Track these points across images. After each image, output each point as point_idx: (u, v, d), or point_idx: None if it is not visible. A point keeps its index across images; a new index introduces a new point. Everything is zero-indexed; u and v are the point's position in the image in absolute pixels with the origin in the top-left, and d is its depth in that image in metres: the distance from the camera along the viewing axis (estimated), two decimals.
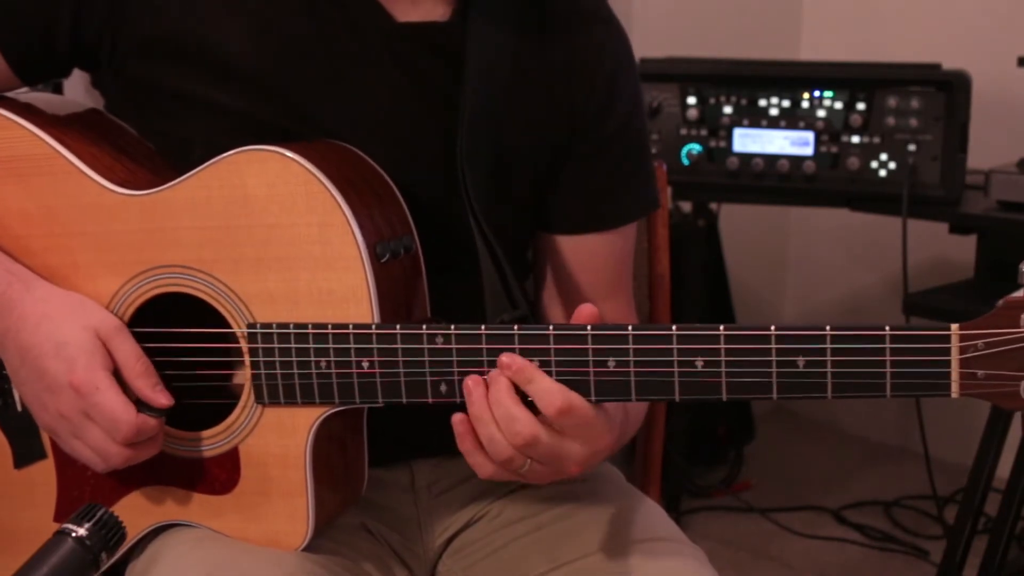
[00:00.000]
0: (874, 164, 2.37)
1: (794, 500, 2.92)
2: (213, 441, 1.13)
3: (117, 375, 1.09)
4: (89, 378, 1.07)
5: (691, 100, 2.46)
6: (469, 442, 1.03)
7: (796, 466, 3.17)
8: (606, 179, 1.25)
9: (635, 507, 1.25)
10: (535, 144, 1.22)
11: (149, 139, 1.21)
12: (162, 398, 1.09)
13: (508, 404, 1.01)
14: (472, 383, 1.03)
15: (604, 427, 1.05)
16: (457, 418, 1.03)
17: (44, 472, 1.19)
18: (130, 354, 1.10)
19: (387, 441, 1.18)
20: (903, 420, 3.16)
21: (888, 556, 2.70)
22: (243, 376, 1.11)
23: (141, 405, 1.08)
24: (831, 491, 2.97)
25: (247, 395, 1.11)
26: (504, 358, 1.02)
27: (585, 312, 1.03)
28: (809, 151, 2.41)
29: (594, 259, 1.28)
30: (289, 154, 1.07)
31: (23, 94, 1.23)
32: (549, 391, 1.01)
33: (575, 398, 1.01)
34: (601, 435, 1.05)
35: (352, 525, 1.21)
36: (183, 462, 1.14)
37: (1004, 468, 2.12)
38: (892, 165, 2.36)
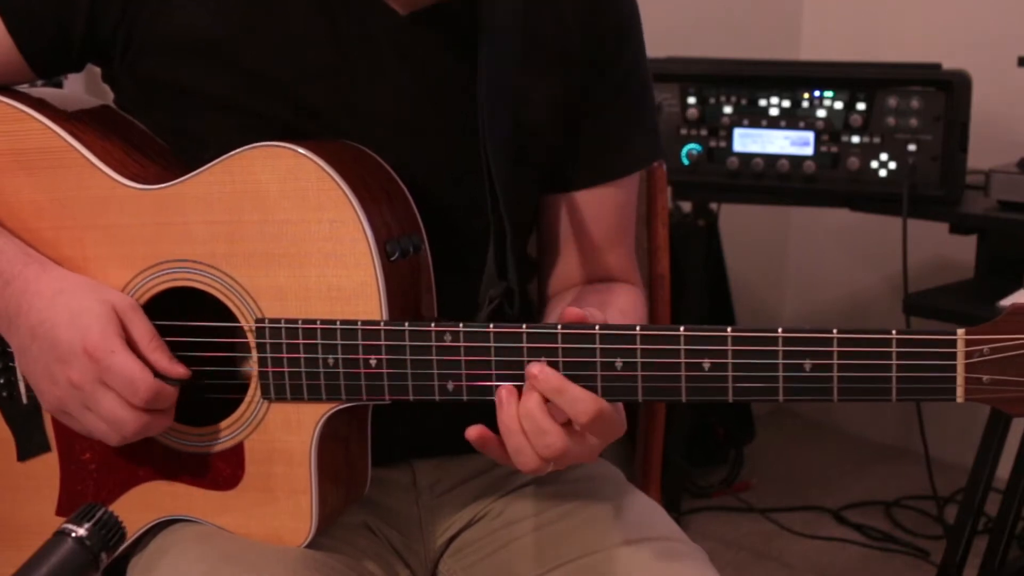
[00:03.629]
0: (874, 164, 2.37)
1: (794, 500, 2.92)
2: (218, 436, 1.13)
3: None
4: (104, 343, 1.06)
5: (691, 100, 2.46)
6: (495, 449, 1.04)
7: (796, 466, 3.17)
8: (616, 130, 1.27)
9: (636, 506, 1.26)
10: (551, 113, 1.23)
11: (161, 135, 1.21)
12: (180, 368, 1.09)
13: (538, 417, 1.01)
14: (506, 393, 1.03)
15: (622, 422, 1.06)
16: (473, 433, 1.03)
17: (47, 465, 1.19)
18: (145, 331, 1.10)
19: (389, 441, 1.18)
20: (903, 420, 3.16)
21: (888, 556, 2.70)
22: (250, 371, 1.11)
23: (158, 377, 1.08)
24: (831, 491, 2.97)
25: (253, 390, 1.11)
26: (533, 369, 1.02)
27: (569, 314, 1.03)
28: (809, 151, 2.41)
29: (602, 209, 1.29)
30: (302, 151, 1.07)
31: (35, 89, 1.23)
32: (581, 400, 1.01)
33: (604, 405, 1.01)
34: (619, 429, 1.06)
35: (354, 524, 1.21)
36: (187, 457, 1.14)
37: (1004, 468, 2.12)
38: (892, 165, 2.36)
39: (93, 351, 1.06)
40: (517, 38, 1.18)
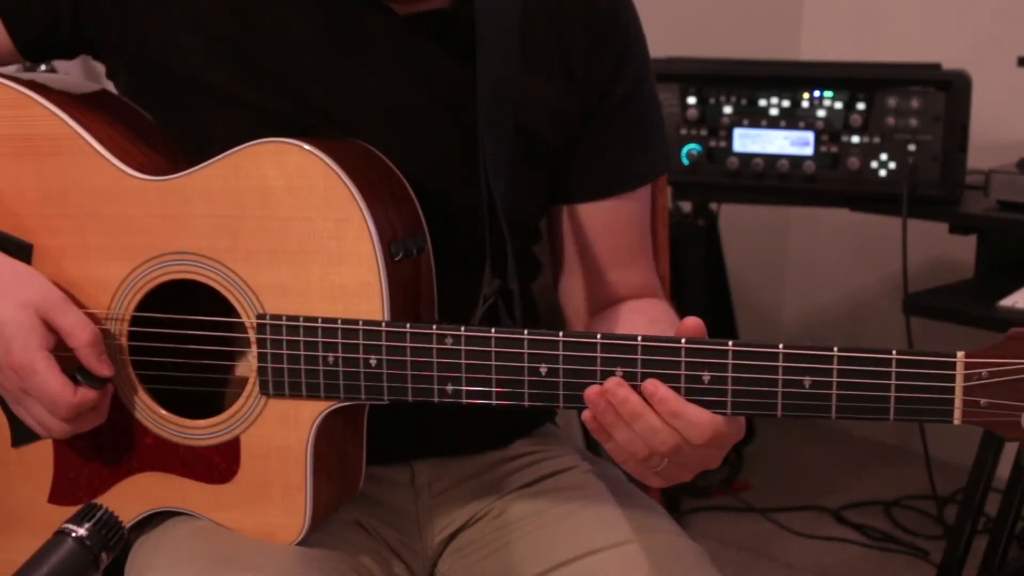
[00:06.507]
0: (874, 164, 2.37)
1: (794, 500, 2.92)
2: (215, 430, 1.13)
3: (62, 347, 1.10)
4: (25, 360, 1.08)
5: (691, 100, 2.46)
6: (604, 434, 1.02)
7: (796, 466, 3.17)
8: (620, 143, 1.27)
9: (636, 506, 1.25)
10: (551, 118, 1.22)
11: (164, 127, 1.21)
12: (105, 368, 1.10)
13: (651, 419, 1.00)
14: (596, 393, 1.01)
15: (738, 434, 1.04)
16: (588, 415, 1.02)
17: (41, 452, 1.19)
18: (76, 323, 1.10)
19: (388, 439, 1.18)
20: None
21: (888, 556, 2.70)
22: (249, 366, 1.11)
23: (84, 374, 1.09)
24: (831, 491, 2.97)
25: (252, 385, 1.11)
26: (648, 387, 1.00)
27: (690, 324, 1.02)
28: (809, 151, 2.41)
29: (613, 224, 1.28)
30: (308, 148, 1.07)
31: (38, 74, 1.23)
32: (698, 424, 0.99)
33: (720, 424, 1.00)
34: (736, 436, 1.04)
35: (347, 521, 1.21)
36: (183, 449, 1.14)
37: (1004, 468, 2.12)
38: (892, 165, 2.35)
39: (16, 368, 1.08)
40: (516, 46, 1.17)
